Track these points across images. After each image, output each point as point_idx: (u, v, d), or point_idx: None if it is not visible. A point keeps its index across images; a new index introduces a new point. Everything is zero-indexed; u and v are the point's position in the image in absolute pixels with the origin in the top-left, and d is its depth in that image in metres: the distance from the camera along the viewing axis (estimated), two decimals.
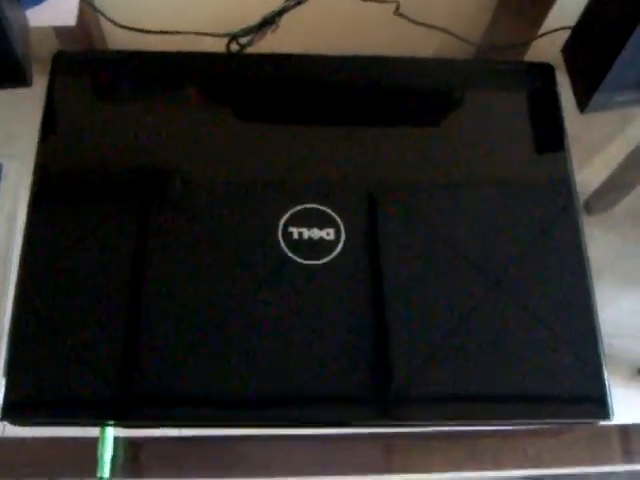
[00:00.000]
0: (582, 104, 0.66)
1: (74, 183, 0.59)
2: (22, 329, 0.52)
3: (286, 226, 0.56)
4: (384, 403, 0.54)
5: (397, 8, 0.69)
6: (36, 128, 0.59)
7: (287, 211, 0.56)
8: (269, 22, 0.68)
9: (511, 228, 0.58)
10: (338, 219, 0.56)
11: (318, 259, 0.55)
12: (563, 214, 0.59)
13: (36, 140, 0.58)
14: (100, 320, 0.52)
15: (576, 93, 0.66)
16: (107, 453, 0.52)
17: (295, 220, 0.56)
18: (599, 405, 0.53)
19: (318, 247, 0.55)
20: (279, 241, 0.55)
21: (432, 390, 0.53)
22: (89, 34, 0.71)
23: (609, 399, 0.53)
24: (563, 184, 0.60)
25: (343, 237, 0.56)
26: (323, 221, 0.56)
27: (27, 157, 0.58)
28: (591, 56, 0.64)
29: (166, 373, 0.51)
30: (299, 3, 0.68)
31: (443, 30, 0.68)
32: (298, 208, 0.56)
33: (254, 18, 0.67)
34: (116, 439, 0.53)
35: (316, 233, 0.56)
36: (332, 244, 0.55)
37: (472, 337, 0.54)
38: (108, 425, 0.52)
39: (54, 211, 0.56)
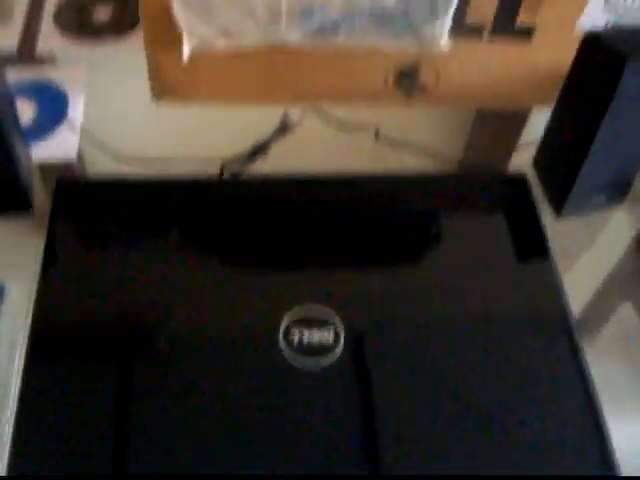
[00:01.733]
0: (557, 210, 0.70)
1: (72, 320, 0.59)
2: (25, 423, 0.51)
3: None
4: None
5: (376, 133, 0.74)
6: (39, 250, 0.61)
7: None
8: (259, 150, 0.72)
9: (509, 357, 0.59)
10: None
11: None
12: (559, 341, 0.59)
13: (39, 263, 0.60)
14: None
15: (550, 201, 0.70)
16: None
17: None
18: None
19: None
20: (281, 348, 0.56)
21: None
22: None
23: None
24: (556, 309, 0.61)
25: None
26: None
27: (31, 280, 0.59)
28: (558, 168, 0.69)
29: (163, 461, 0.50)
30: (286, 132, 0.73)
31: (423, 149, 0.73)
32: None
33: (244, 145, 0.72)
34: None
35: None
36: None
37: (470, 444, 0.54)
38: None
39: (52, 347, 0.57)
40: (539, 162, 0.72)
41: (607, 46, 0.60)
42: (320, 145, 0.75)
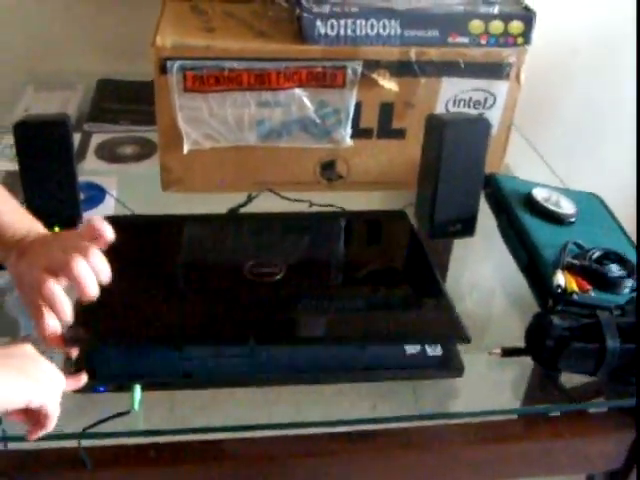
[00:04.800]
0: (429, 235, 1.06)
1: None
2: None
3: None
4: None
5: (310, 204, 1.12)
6: None
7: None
8: (234, 211, 1.10)
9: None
10: None
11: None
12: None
13: None
14: None
15: (424, 228, 1.07)
16: (137, 396, 0.78)
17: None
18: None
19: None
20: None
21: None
22: None
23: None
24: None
25: None
26: None
27: None
28: (425, 207, 1.06)
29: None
30: (250, 201, 1.11)
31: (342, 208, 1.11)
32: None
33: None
34: None
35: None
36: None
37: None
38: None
39: None
40: (417, 206, 1.10)
41: (437, 117, 1.01)
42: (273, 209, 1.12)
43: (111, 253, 0.94)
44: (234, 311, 0.87)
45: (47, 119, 0.95)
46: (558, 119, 1.60)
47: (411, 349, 0.85)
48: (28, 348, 0.70)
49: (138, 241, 1.01)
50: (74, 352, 0.80)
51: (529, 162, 1.29)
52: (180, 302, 0.90)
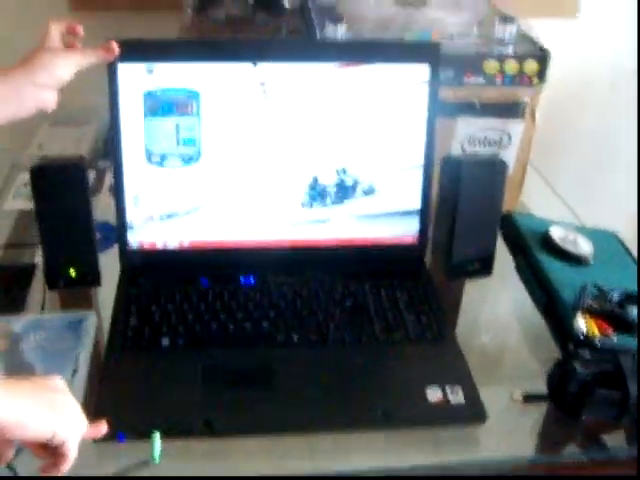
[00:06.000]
0: (446, 275, 1.05)
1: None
2: None
3: None
4: None
5: None
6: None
7: None
8: None
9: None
10: None
11: None
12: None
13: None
14: None
15: (441, 269, 1.06)
16: (157, 446, 0.78)
17: None
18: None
19: None
20: None
21: None
22: None
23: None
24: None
25: None
26: None
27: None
28: (442, 248, 1.06)
29: None
30: None
31: None
32: None
33: None
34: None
35: None
36: None
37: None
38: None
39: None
40: (433, 247, 1.09)
41: (453, 158, 1.01)
42: None
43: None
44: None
45: (64, 163, 0.95)
46: (570, 154, 1.61)
47: (433, 396, 0.85)
48: (59, 382, 0.71)
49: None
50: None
51: (544, 198, 1.29)
52: None
